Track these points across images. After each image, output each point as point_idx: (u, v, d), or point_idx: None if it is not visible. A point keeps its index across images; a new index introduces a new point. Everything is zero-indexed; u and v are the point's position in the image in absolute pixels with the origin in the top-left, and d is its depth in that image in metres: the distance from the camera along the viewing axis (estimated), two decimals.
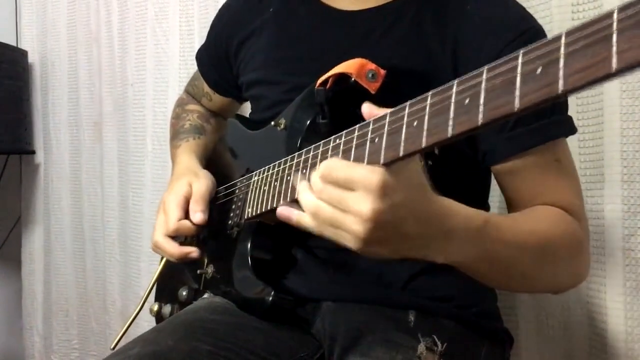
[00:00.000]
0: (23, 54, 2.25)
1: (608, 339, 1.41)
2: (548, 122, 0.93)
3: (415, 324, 0.95)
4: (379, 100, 0.73)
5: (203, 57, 1.31)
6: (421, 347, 0.89)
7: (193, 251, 1.06)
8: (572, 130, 0.98)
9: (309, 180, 0.72)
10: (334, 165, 0.69)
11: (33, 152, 2.31)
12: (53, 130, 2.31)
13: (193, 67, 1.88)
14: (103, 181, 2.19)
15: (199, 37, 1.89)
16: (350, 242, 0.69)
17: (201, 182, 1.09)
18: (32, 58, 2.29)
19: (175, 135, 1.30)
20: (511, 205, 0.98)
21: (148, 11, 2.02)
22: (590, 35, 0.45)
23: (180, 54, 1.96)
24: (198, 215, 1.05)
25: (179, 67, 1.96)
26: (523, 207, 0.93)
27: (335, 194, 0.68)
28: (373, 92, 0.84)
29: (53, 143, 2.31)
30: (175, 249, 1.06)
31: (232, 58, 1.17)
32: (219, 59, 1.22)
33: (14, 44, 2.29)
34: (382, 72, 0.86)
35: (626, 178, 1.36)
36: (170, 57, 1.99)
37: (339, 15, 1.04)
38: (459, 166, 0.97)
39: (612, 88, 1.35)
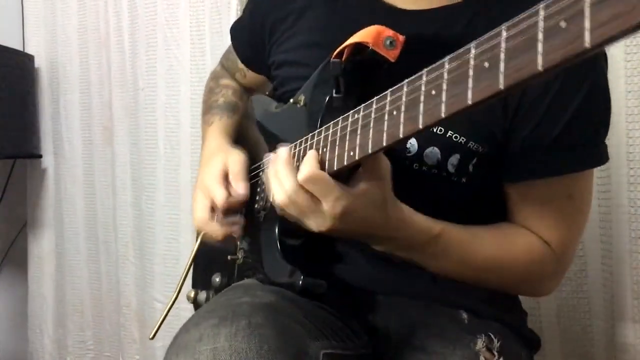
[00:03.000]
0: (29, 58, 2.25)
1: (615, 342, 1.41)
2: (577, 153, 0.90)
3: (469, 322, 0.94)
4: (405, 70, 0.69)
5: (237, 31, 1.26)
6: (480, 343, 0.88)
7: (235, 228, 1.03)
8: (602, 160, 0.93)
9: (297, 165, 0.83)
10: (316, 178, 0.78)
11: (40, 156, 2.30)
12: (65, 134, 2.31)
13: (204, 72, 1.92)
14: (115, 184, 2.19)
15: (210, 42, 1.92)
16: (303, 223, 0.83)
17: (235, 157, 1.05)
18: (39, 62, 2.30)
19: (208, 110, 1.25)
20: (509, 216, 0.97)
21: (158, 16, 2.04)
22: None
23: (192, 58, 1.98)
24: (241, 185, 1.01)
25: (189, 72, 1.98)
26: (518, 223, 0.96)
27: (305, 203, 0.80)
28: (392, 60, 0.81)
29: (65, 147, 2.31)
30: (219, 230, 1.02)
31: (267, 35, 1.12)
32: (253, 35, 1.17)
33: (20, 48, 2.29)
34: (402, 38, 0.81)
35: (632, 180, 1.36)
36: (181, 62, 2.00)
37: (390, 11, 0.98)
38: (493, 184, 0.96)
39: (617, 89, 1.35)
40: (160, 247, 2.05)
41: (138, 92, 2.10)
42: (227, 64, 1.32)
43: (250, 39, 1.19)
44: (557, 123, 0.88)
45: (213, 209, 1.03)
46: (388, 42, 0.80)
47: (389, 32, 0.81)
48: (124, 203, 2.17)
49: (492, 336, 0.89)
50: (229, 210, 1.02)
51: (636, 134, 1.35)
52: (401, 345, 0.92)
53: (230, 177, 1.02)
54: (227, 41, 1.78)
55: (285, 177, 0.81)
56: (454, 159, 0.91)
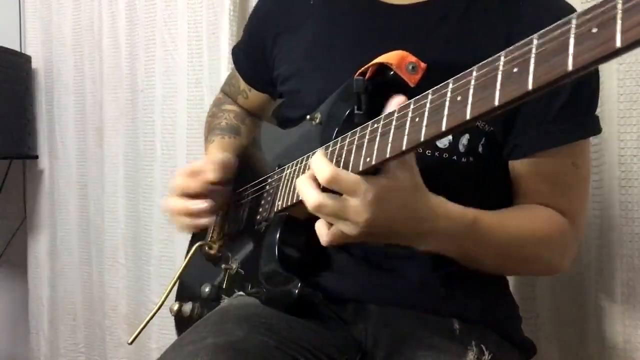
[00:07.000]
0: (27, 59, 2.25)
1: (605, 345, 1.42)
2: (577, 122, 0.94)
3: (460, 332, 0.94)
4: (419, 94, 0.70)
5: (239, 52, 1.28)
6: (470, 355, 0.88)
7: (199, 202, 1.04)
8: (598, 129, 0.98)
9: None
10: (336, 177, 0.75)
11: (36, 157, 2.30)
12: (58, 135, 2.30)
13: (202, 73, 1.92)
14: (105, 186, 2.19)
15: (207, 44, 1.91)
16: (346, 233, 0.78)
17: (219, 154, 1.10)
18: (36, 63, 2.29)
19: (211, 131, 1.27)
20: (517, 195, 0.99)
21: (157, 18, 2.03)
22: None
23: (189, 60, 1.97)
24: (210, 171, 1.05)
25: (187, 74, 1.97)
26: (527, 200, 0.97)
27: (335, 205, 0.76)
28: (412, 85, 0.81)
29: (59, 148, 2.30)
30: (179, 206, 1.06)
31: (268, 50, 1.14)
32: (254, 53, 1.19)
33: (17, 49, 2.29)
34: (423, 65, 0.83)
35: (624, 183, 1.37)
36: (179, 64, 1.99)
37: (386, 9, 1.01)
38: (500, 165, 0.98)
39: (609, 91, 1.36)
40: (156, 249, 2.05)
41: (136, 93, 2.09)
42: (229, 90, 1.34)
43: (252, 58, 1.22)
44: (559, 94, 0.93)
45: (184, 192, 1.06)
46: (410, 67, 0.82)
47: (412, 58, 0.83)
48: (113, 205, 2.17)
49: (484, 347, 0.90)
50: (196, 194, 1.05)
51: (627, 136, 1.36)
52: (390, 357, 0.92)
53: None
54: (224, 43, 1.82)
55: (307, 188, 0.80)
56: (464, 139, 0.94)
